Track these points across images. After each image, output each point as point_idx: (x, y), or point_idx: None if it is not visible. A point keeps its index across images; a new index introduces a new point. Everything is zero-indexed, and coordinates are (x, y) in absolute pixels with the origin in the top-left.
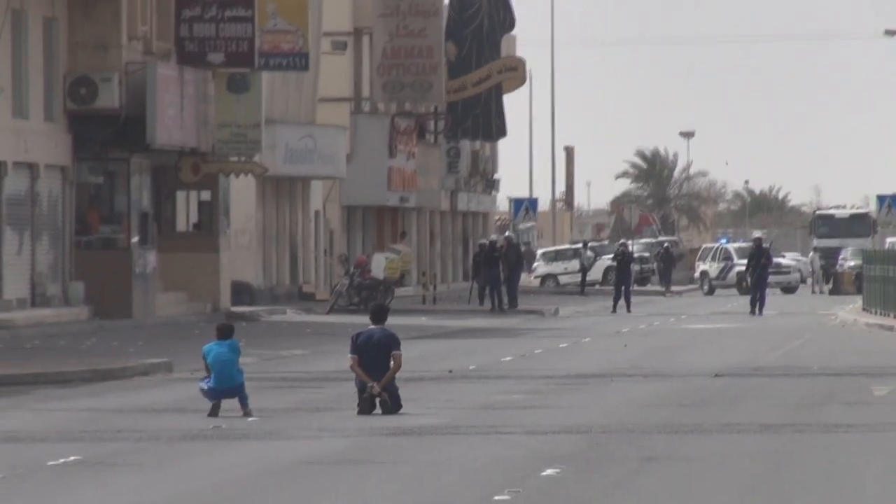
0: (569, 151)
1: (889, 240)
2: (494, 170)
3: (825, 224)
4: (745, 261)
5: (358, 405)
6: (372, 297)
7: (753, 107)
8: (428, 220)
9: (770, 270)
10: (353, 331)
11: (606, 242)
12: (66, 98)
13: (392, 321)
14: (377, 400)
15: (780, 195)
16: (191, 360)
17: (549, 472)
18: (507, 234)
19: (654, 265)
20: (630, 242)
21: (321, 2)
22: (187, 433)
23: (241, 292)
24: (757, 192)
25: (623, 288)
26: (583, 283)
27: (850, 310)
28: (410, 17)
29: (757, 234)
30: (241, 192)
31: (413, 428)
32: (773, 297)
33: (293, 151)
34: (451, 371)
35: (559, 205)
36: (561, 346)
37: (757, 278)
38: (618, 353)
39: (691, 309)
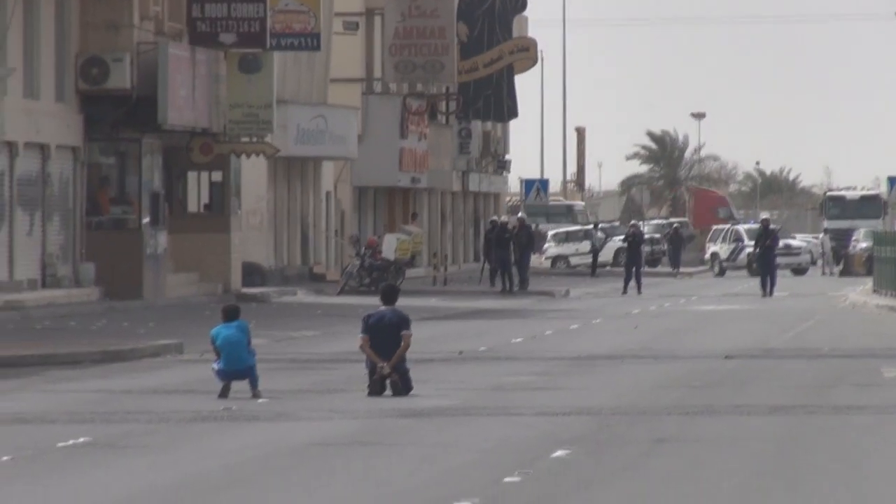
0: (580, 132)
1: None
2: (506, 150)
3: (836, 205)
4: (754, 242)
5: (368, 386)
6: (383, 278)
7: (764, 88)
8: (439, 201)
9: (780, 251)
10: (363, 312)
11: (617, 223)
12: (77, 78)
13: (402, 302)
14: (388, 381)
15: (791, 176)
16: (201, 341)
17: (559, 453)
18: (519, 214)
19: (664, 246)
20: (641, 223)
21: None
22: (197, 415)
23: (252, 273)
24: (768, 173)
25: (634, 269)
26: (594, 264)
27: (860, 291)
28: None
29: (764, 215)
30: (253, 173)
31: (423, 409)
32: (783, 279)
33: (305, 132)
34: (461, 352)
35: (570, 186)
36: (571, 327)
37: (764, 259)
38: (628, 334)
39: (702, 290)
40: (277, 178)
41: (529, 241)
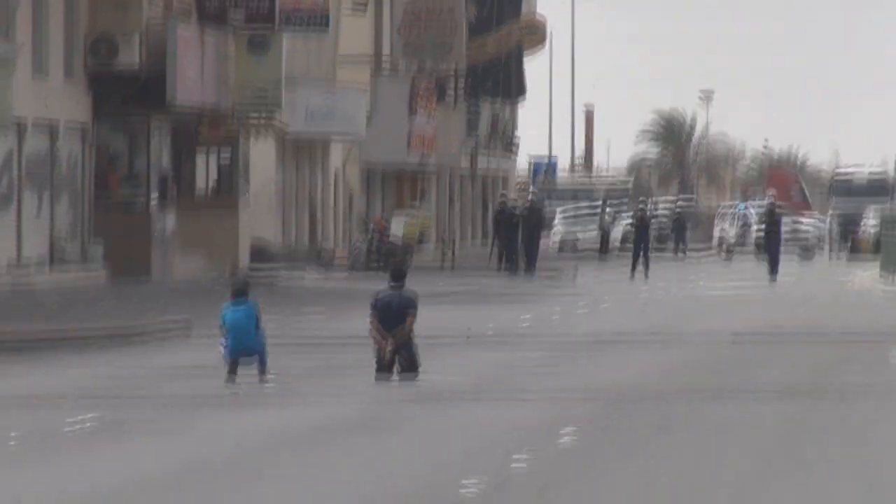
0: (588, 112)
1: None
2: (514, 130)
3: (843, 186)
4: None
5: (376, 367)
6: (391, 258)
7: (773, 67)
8: (447, 181)
9: (787, 233)
10: (371, 292)
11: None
12: (86, 57)
13: (410, 283)
14: (396, 359)
15: (800, 156)
16: (209, 321)
17: (566, 436)
18: (530, 195)
19: (669, 228)
20: (650, 201)
21: None
22: (205, 396)
23: (261, 253)
24: (776, 152)
25: (642, 251)
26: (603, 245)
27: (867, 273)
28: None
29: (770, 196)
30: (261, 153)
31: (431, 392)
32: (790, 261)
33: (313, 111)
34: (469, 334)
35: (579, 166)
36: (579, 309)
37: (769, 241)
38: (636, 316)
39: (709, 273)
40: (286, 158)
41: (539, 222)
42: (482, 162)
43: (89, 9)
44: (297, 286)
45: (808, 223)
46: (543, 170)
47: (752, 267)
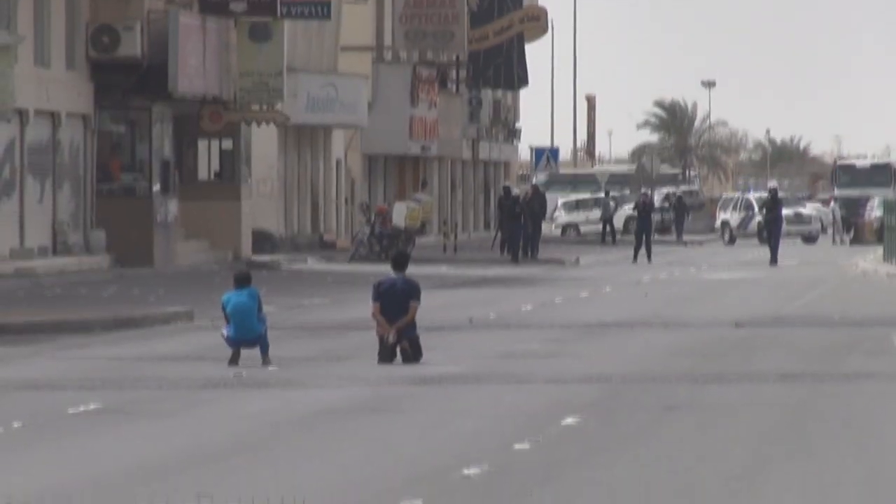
0: (590, 100)
1: None
2: (516, 119)
3: (846, 174)
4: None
5: (379, 353)
6: (393, 245)
7: (775, 56)
8: (449, 170)
9: (790, 220)
10: (374, 280)
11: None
12: (88, 46)
13: (413, 270)
14: (398, 348)
15: (802, 145)
16: (212, 308)
17: (569, 420)
18: (533, 181)
19: (672, 214)
20: (650, 191)
21: None
22: (208, 381)
23: (263, 241)
24: (778, 141)
25: (644, 237)
26: (606, 232)
27: (871, 259)
28: None
29: (772, 183)
30: (263, 141)
31: (434, 377)
32: (793, 247)
33: (315, 100)
34: (471, 320)
35: (581, 154)
36: (581, 295)
37: (770, 228)
38: (638, 302)
39: (712, 259)
40: (288, 147)
41: (542, 209)
42: (484, 150)
43: None
44: (300, 273)
45: (811, 210)
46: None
47: (754, 253)
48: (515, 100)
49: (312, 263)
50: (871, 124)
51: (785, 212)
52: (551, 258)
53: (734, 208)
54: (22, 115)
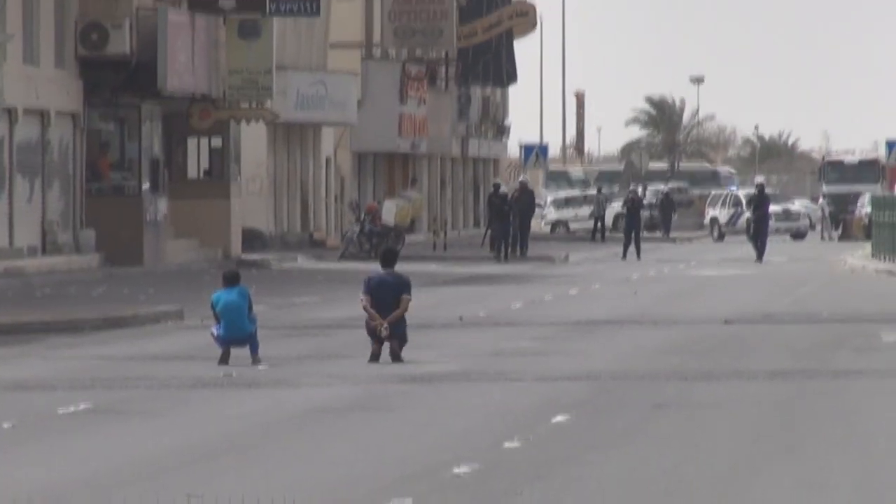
0: (579, 97)
1: None
2: (505, 116)
3: (834, 170)
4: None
5: (371, 354)
6: (383, 243)
7: (763, 52)
8: (439, 167)
9: (779, 216)
10: (364, 277)
11: (616, 189)
12: (77, 44)
13: (402, 267)
14: (388, 346)
15: (790, 141)
16: (201, 307)
17: (559, 418)
18: (521, 178)
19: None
20: (640, 188)
21: None
22: (198, 381)
23: (252, 239)
24: (766, 137)
25: (633, 234)
26: (598, 229)
27: (859, 256)
28: None
29: (759, 179)
30: (252, 139)
31: (423, 375)
32: (782, 244)
33: (304, 97)
34: (461, 318)
35: (570, 151)
36: (571, 292)
37: (757, 224)
38: (627, 299)
39: (701, 255)
40: (277, 144)
41: (531, 206)
42: (473, 147)
43: None
44: (290, 272)
45: (800, 206)
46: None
47: (743, 249)
48: (504, 97)
49: (302, 262)
50: (860, 120)
51: (773, 208)
52: (541, 255)
53: (723, 205)
54: (11, 113)
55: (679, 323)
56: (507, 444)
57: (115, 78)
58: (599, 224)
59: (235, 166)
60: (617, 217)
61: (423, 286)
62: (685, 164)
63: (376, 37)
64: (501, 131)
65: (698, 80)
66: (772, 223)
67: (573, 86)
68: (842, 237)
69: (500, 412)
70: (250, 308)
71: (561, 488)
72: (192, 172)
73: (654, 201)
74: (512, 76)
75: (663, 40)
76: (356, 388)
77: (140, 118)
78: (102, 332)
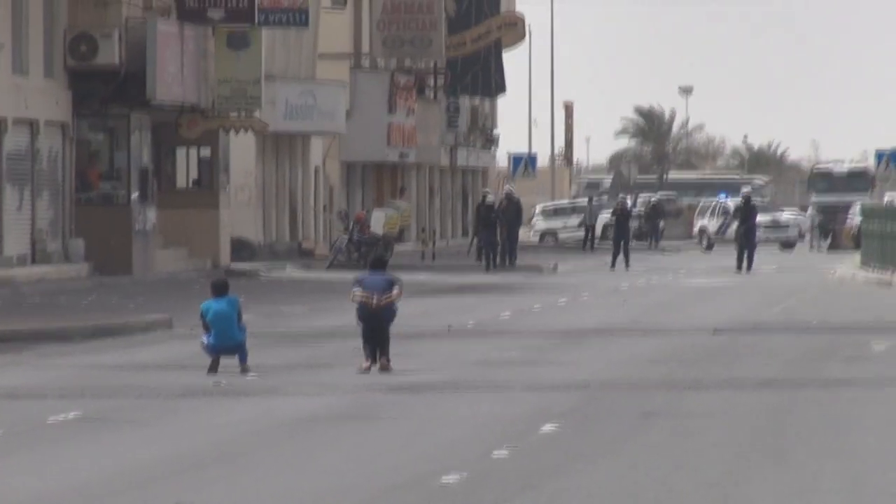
0: (568, 107)
1: (888, 195)
2: (494, 126)
3: (823, 180)
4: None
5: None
6: (371, 252)
7: (752, 62)
8: (427, 176)
9: (768, 226)
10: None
11: (605, 198)
12: (66, 54)
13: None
14: (378, 365)
15: (779, 151)
16: (191, 316)
17: (548, 428)
18: (507, 188)
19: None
20: (629, 198)
21: None
22: (188, 389)
23: (241, 249)
24: (755, 147)
25: (622, 244)
26: (588, 238)
27: (848, 265)
28: None
29: (745, 189)
30: (241, 149)
31: (412, 384)
32: (771, 253)
33: (293, 107)
34: (450, 327)
35: (558, 161)
36: (560, 302)
37: (744, 234)
38: (617, 309)
39: (690, 265)
40: (266, 154)
41: (517, 215)
42: (462, 157)
43: (69, 6)
44: (278, 281)
45: (789, 216)
46: (524, 162)
47: (732, 259)
48: (493, 107)
49: (291, 271)
50: (849, 130)
51: (763, 218)
52: (529, 265)
53: (712, 214)
54: (0, 123)
55: (668, 332)
56: (495, 454)
57: (105, 88)
58: (590, 233)
59: (224, 176)
60: (606, 227)
61: (411, 296)
62: (712, 174)
63: (365, 47)
64: (490, 141)
65: (687, 91)
66: (761, 233)
67: (562, 96)
68: (831, 247)
69: (489, 422)
70: (240, 317)
71: (550, 498)
72: (181, 182)
73: (642, 210)
74: (501, 86)
75: (652, 51)
76: (345, 397)
77: (129, 128)
78: (92, 341)
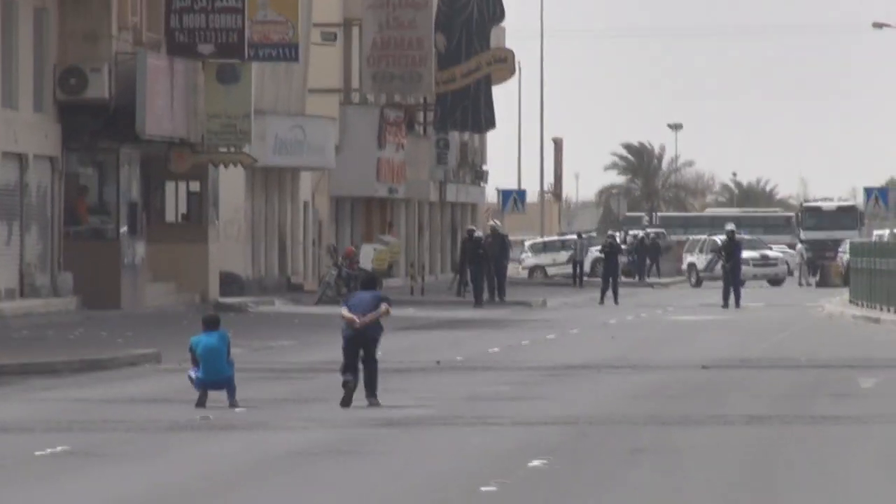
0: (557, 143)
1: (876, 232)
2: (483, 161)
3: (812, 217)
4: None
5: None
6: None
7: (741, 99)
8: (416, 212)
9: (757, 262)
10: (340, 322)
11: (594, 234)
12: (55, 88)
13: None
14: (368, 403)
15: (768, 187)
16: (179, 350)
17: (536, 463)
18: (491, 223)
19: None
20: (618, 234)
21: None
22: (175, 424)
23: (230, 283)
24: (744, 184)
25: (611, 279)
26: (577, 274)
27: (837, 302)
28: (400, 8)
29: (730, 226)
30: (231, 183)
31: (401, 419)
32: (759, 289)
33: (283, 142)
34: (438, 362)
35: (548, 196)
36: (548, 337)
37: (731, 270)
38: (605, 344)
39: (678, 301)
40: (255, 189)
41: (503, 250)
42: (451, 192)
43: (58, 40)
44: (267, 315)
45: (777, 252)
46: (513, 197)
47: (720, 295)
48: (482, 142)
49: (280, 306)
50: (837, 167)
51: (750, 254)
52: (518, 300)
53: (700, 250)
54: None
55: (657, 368)
56: (483, 489)
57: (94, 122)
58: (579, 269)
59: (213, 210)
60: (595, 262)
61: (399, 330)
62: (756, 211)
63: (355, 82)
64: (479, 176)
65: (676, 127)
66: (749, 269)
67: (551, 131)
68: (820, 283)
69: (478, 456)
70: (228, 352)
71: None
72: (170, 216)
73: (630, 246)
74: (490, 122)
75: (641, 87)
76: (334, 431)
77: (118, 162)
78: (80, 375)
